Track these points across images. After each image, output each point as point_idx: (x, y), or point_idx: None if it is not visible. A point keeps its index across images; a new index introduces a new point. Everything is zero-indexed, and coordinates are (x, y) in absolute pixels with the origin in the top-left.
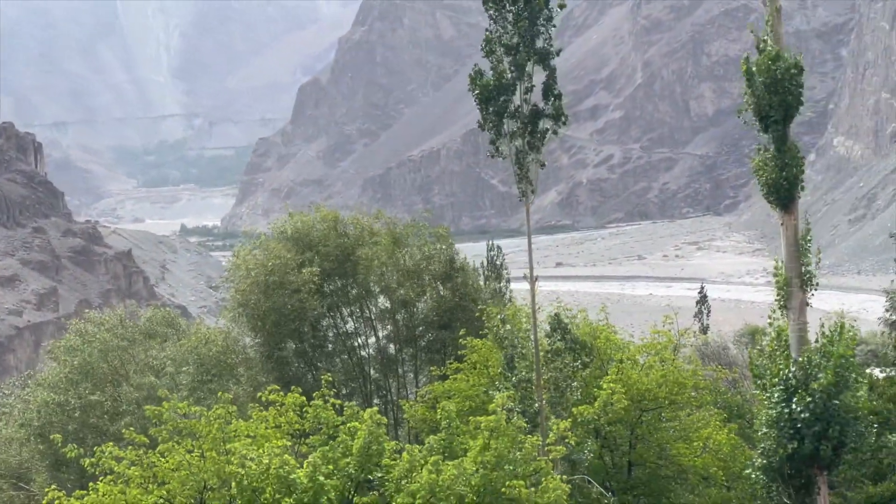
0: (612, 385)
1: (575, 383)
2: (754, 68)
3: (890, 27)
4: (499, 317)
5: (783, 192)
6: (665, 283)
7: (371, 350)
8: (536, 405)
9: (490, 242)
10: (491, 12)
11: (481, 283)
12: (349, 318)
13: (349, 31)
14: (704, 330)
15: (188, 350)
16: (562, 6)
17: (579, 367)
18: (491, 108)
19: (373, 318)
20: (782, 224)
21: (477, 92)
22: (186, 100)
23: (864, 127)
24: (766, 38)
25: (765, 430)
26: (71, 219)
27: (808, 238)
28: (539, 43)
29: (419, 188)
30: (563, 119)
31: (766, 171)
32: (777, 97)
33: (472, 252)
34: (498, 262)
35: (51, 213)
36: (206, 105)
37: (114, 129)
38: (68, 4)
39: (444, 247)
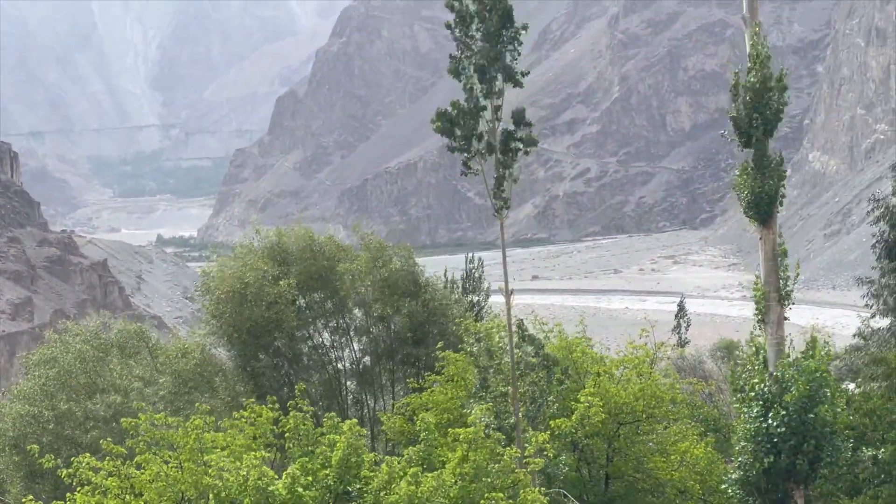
0: (589, 398)
1: (551, 397)
2: (739, 83)
3: (865, 44)
4: (472, 334)
5: (762, 207)
6: (641, 297)
7: (348, 363)
8: (513, 419)
9: (470, 255)
10: (457, 33)
11: (452, 297)
12: (325, 331)
13: (327, 43)
14: (683, 343)
15: (164, 363)
16: (525, 27)
17: (554, 382)
18: (458, 132)
19: (350, 331)
20: (761, 238)
21: (437, 124)
22: (164, 110)
23: (839, 142)
24: (755, 53)
25: (742, 443)
26: (47, 228)
27: (784, 252)
28: (507, 60)
29: (396, 200)
30: (532, 144)
31: (746, 186)
32: (759, 112)
33: (448, 264)
34: (477, 275)
35: (26, 222)
36: (184, 116)
37: (90, 140)
38: (46, 14)
39: (408, 263)
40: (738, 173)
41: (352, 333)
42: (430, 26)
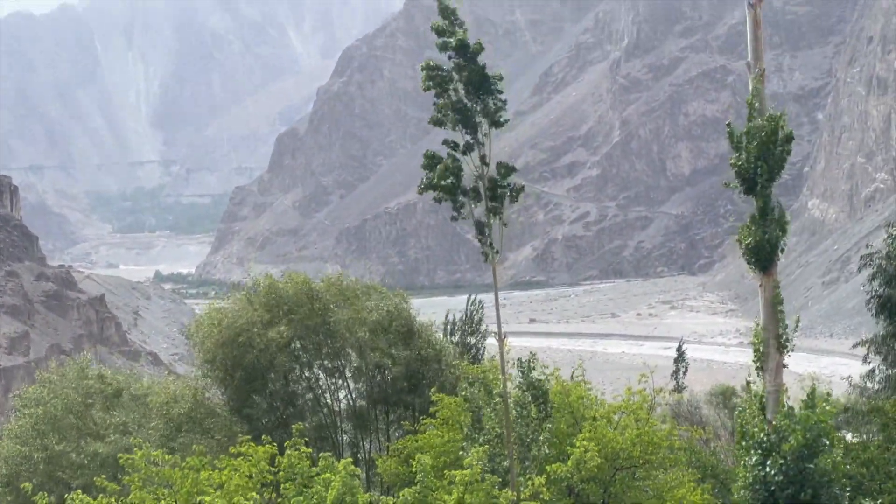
0: (585, 443)
1: (542, 437)
2: (742, 132)
3: (866, 92)
4: (466, 378)
5: (763, 255)
6: (638, 342)
7: (343, 406)
8: (506, 462)
9: (472, 297)
10: (436, 90)
11: (445, 341)
12: (320, 374)
13: (328, 82)
14: (680, 389)
15: (156, 409)
16: (500, 77)
17: (543, 417)
18: (446, 183)
19: (346, 375)
20: (761, 286)
21: (426, 182)
22: (164, 147)
23: (839, 190)
24: (753, 101)
25: (742, 492)
26: (45, 263)
27: (780, 300)
28: (490, 104)
29: (395, 241)
30: (519, 193)
31: (748, 234)
32: (763, 161)
33: (447, 306)
34: (476, 317)
35: (24, 256)
36: (184, 153)
37: (90, 175)
38: (48, 49)
39: (403, 307)
40: (746, 223)
41: (348, 374)
42: None
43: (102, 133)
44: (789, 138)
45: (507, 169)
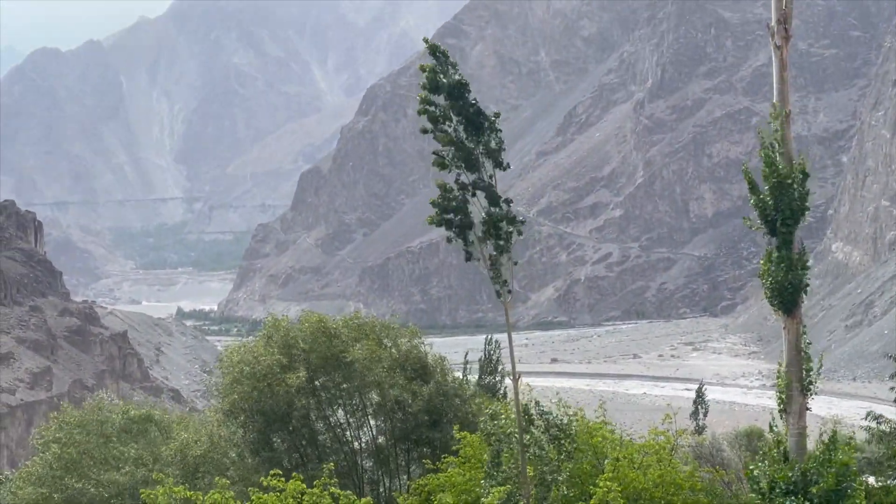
0: (608, 483)
1: (561, 477)
2: (761, 172)
3: (891, 135)
4: (487, 411)
5: (787, 297)
6: (660, 383)
7: (363, 444)
8: (523, 502)
9: (489, 336)
10: (436, 134)
11: (464, 378)
12: (340, 413)
13: (352, 120)
14: (701, 430)
15: (172, 453)
16: (497, 115)
17: (563, 458)
18: (454, 222)
19: (367, 413)
20: (784, 328)
21: (434, 218)
22: (187, 184)
23: (863, 233)
24: (773, 142)
25: None
26: (68, 298)
27: (807, 343)
28: (492, 144)
29: (417, 280)
30: (519, 225)
31: (771, 275)
32: (783, 202)
33: (468, 345)
34: (494, 357)
35: (48, 292)
36: (207, 189)
37: (114, 211)
38: (73, 86)
39: (418, 344)
40: (763, 261)
41: (369, 412)
42: None
43: (126, 169)
44: (804, 175)
45: (496, 199)
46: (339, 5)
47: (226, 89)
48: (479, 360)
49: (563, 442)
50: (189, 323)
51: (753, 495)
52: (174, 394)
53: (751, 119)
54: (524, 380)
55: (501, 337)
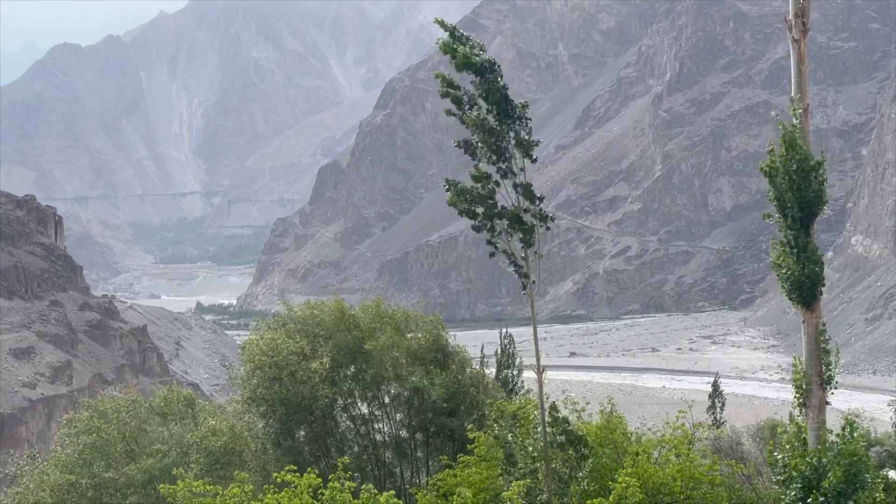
0: (627, 478)
1: (580, 474)
2: (777, 164)
3: None
4: (501, 415)
5: (805, 290)
6: (678, 376)
7: (384, 436)
8: (544, 497)
9: (503, 331)
10: (463, 118)
11: (485, 370)
12: (362, 404)
13: (370, 115)
14: (718, 424)
15: (195, 441)
16: (526, 105)
17: (581, 459)
18: (480, 211)
19: (386, 403)
20: (804, 321)
21: (458, 205)
22: (206, 178)
23: (882, 226)
24: (792, 135)
25: None
26: (88, 293)
27: (826, 336)
28: (522, 134)
29: (436, 273)
30: (548, 220)
31: (787, 269)
32: (801, 194)
33: (486, 339)
34: (510, 351)
35: (68, 286)
36: (226, 184)
37: (133, 205)
38: (94, 81)
39: (436, 333)
40: (774, 253)
41: (387, 401)
42: None
43: (145, 164)
44: (819, 165)
45: (530, 193)
46: None
47: (245, 83)
48: (495, 353)
49: (578, 447)
50: (208, 317)
51: (776, 488)
52: (193, 388)
53: (769, 112)
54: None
55: (517, 331)
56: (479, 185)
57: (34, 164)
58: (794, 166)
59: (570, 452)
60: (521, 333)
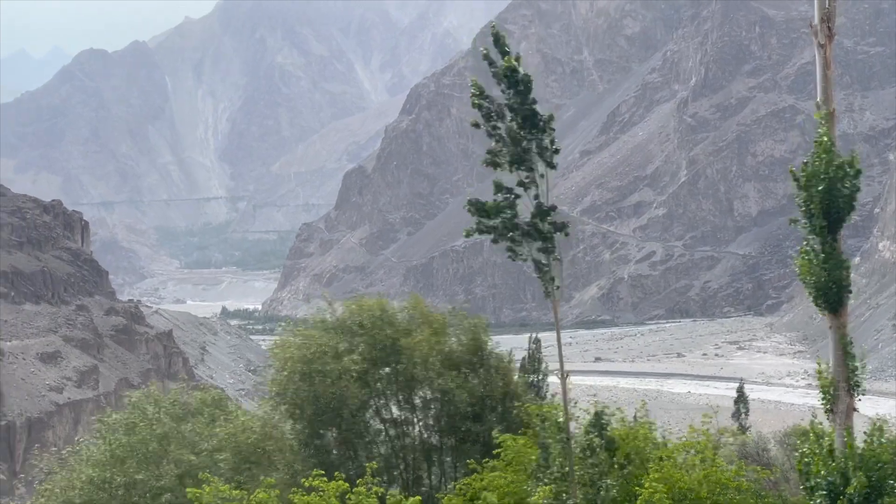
0: (654, 484)
1: (610, 480)
2: (807, 169)
3: None
4: (538, 416)
5: (832, 296)
6: (704, 382)
7: (413, 439)
8: (570, 502)
9: (531, 336)
10: (489, 129)
11: (515, 375)
12: (393, 406)
13: (396, 120)
14: (744, 429)
15: (226, 437)
16: (552, 117)
17: (615, 465)
18: (499, 222)
19: (416, 406)
20: (830, 327)
21: (477, 222)
22: (232, 183)
23: None
24: (822, 138)
25: None
26: (114, 297)
27: (850, 342)
28: (544, 141)
29: (461, 279)
30: (565, 230)
31: (813, 275)
32: (829, 199)
33: (512, 344)
34: (537, 356)
35: (95, 291)
36: (251, 189)
37: (159, 210)
38: (120, 86)
39: (476, 336)
40: (799, 260)
41: (417, 403)
42: None
43: (171, 168)
44: (855, 172)
45: (543, 212)
46: (383, 4)
47: (270, 88)
48: (522, 359)
49: (613, 452)
50: (233, 322)
51: (804, 494)
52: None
53: (795, 117)
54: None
55: (545, 335)
56: (500, 196)
57: (60, 169)
58: (831, 173)
59: (603, 457)
60: (547, 338)
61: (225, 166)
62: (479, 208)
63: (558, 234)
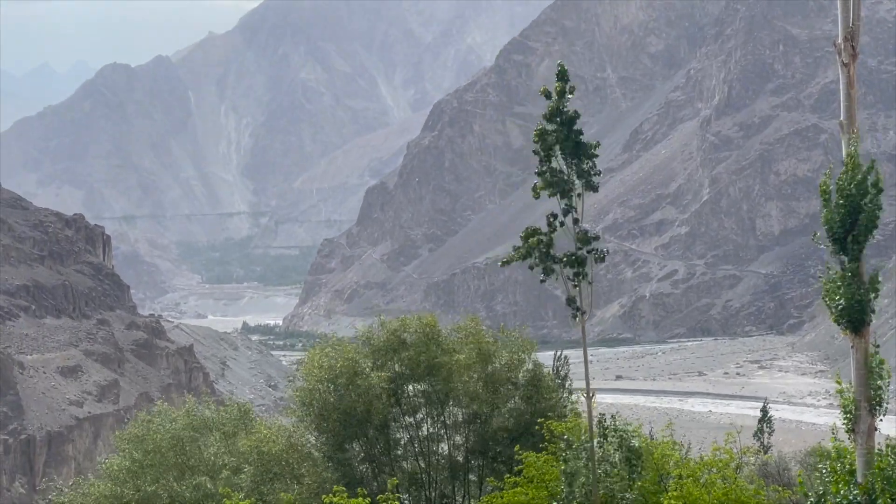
0: (673, 502)
1: (629, 495)
2: (832, 186)
3: None
4: (564, 437)
5: (855, 315)
6: (725, 401)
7: (441, 458)
8: None
9: (557, 353)
10: (541, 154)
11: (562, 397)
12: (424, 424)
13: (418, 136)
14: (766, 449)
15: (250, 448)
16: (597, 145)
17: (635, 478)
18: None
19: (447, 424)
20: (853, 347)
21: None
22: (254, 198)
23: None
24: (850, 157)
25: None
26: (135, 312)
27: (880, 361)
28: (585, 166)
29: (482, 296)
30: (602, 256)
31: (836, 294)
32: (852, 217)
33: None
34: (563, 373)
35: (116, 305)
36: (273, 204)
37: (181, 225)
38: (143, 101)
39: (520, 357)
40: (825, 281)
41: (448, 422)
42: (522, 122)
43: (193, 183)
44: (878, 189)
45: (587, 240)
46: (406, 20)
47: (293, 104)
48: (546, 375)
49: (634, 463)
50: (254, 337)
51: None
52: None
53: (819, 136)
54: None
55: (565, 353)
56: (551, 227)
57: (83, 183)
58: (853, 190)
59: (624, 472)
60: (567, 356)
61: (247, 182)
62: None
63: (596, 259)
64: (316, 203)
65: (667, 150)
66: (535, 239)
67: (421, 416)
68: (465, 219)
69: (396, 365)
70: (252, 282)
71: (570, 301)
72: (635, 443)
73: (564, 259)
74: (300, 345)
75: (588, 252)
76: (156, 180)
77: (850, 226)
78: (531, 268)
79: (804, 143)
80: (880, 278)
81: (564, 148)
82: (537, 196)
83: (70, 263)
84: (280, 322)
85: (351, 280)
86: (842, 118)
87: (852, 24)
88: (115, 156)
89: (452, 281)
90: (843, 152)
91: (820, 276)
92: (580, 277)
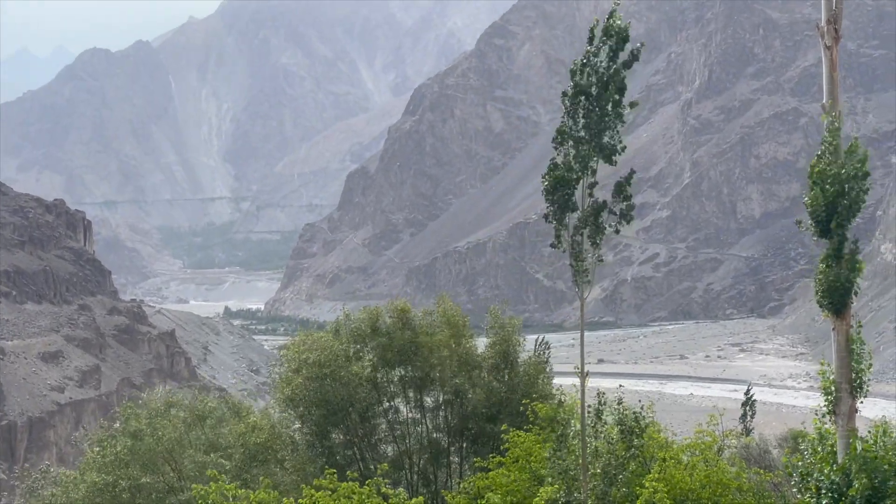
0: (654, 484)
1: (621, 476)
2: (818, 170)
3: None
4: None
5: (837, 297)
6: (706, 384)
7: (422, 440)
8: (581, 497)
9: (539, 337)
10: (566, 103)
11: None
12: (403, 407)
13: (399, 121)
14: (748, 432)
15: (235, 437)
16: (633, 105)
17: (629, 456)
18: (556, 198)
19: (427, 407)
20: (834, 329)
21: (546, 183)
22: (235, 183)
23: None
24: (833, 141)
25: None
26: (117, 297)
27: (861, 342)
28: (605, 138)
29: (464, 280)
30: (628, 218)
31: (821, 276)
32: (838, 201)
33: None
34: (544, 358)
35: (97, 290)
36: (255, 189)
37: (162, 210)
38: (123, 85)
39: (505, 336)
40: (819, 265)
41: (428, 404)
42: (502, 106)
43: (174, 168)
44: (864, 174)
45: (623, 189)
46: (387, 5)
47: (274, 89)
48: (527, 360)
49: (633, 439)
50: (236, 322)
51: (800, 497)
52: (221, 393)
53: (799, 120)
54: (571, 380)
55: (548, 337)
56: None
57: (64, 168)
58: (842, 173)
59: (622, 451)
60: (549, 341)
61: (228, 166)
62: (553, 173)
63: (614, 228)
64: (297, 188)
65: (648, 133)
66: (560, 174)
67: (399, 400)
68: (446, 203)
69: (371, 354)
70: (234, 266)
71: (576, 257)
72: (635, 412)
73: (589, 211)
74: (282, 329)
75: (613, 212)
76: (137, 165)
77: (834, 209)
78: (547, 219)
79: (784, 126)
80: (860, 258)
81: (588, 115)
82: (558, 145)
83: (51, 249)
84: (262, 307)
85: (332, 264)
86: (825, 101)
87: (835, 6)
88: (96, 141)
89: (434, 265)
90: (824, 134)
91: (801, 261)
92: (595, 245)
